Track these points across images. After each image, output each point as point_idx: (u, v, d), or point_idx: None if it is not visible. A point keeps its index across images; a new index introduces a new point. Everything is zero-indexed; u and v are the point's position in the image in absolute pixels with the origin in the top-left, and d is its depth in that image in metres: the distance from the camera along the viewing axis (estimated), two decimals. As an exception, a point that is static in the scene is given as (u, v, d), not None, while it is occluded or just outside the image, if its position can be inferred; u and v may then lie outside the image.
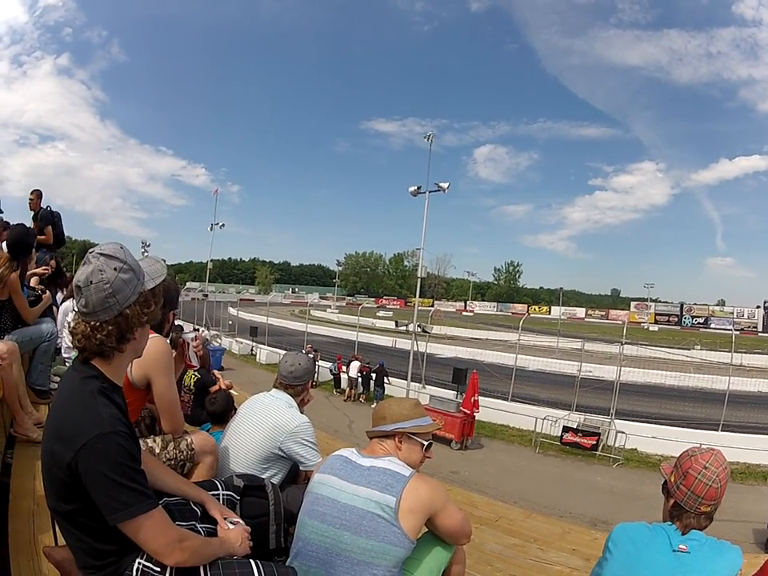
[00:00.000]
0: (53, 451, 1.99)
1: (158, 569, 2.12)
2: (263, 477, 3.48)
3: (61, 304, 8.15)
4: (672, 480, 2.38)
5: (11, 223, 7.71)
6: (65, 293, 7.30)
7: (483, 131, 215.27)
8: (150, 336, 3.09)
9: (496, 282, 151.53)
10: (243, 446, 3.71)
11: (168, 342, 2.91)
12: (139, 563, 2.12)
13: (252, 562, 2.33)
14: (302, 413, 3.93)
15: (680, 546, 2.22)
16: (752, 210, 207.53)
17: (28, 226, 7.45)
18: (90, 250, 2.10)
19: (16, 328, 5.70)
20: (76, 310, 2.11)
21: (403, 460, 2.85)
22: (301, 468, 3.75)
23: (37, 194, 10.01)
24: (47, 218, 9.38)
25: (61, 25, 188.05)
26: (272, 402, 3.89)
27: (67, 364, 6.34)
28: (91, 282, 2.02)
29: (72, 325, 2.12)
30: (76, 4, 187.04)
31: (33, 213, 9.84)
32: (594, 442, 19.13)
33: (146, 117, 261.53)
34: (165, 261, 2.35)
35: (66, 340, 6.80)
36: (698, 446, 2.47)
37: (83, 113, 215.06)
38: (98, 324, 2.06)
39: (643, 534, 2.36)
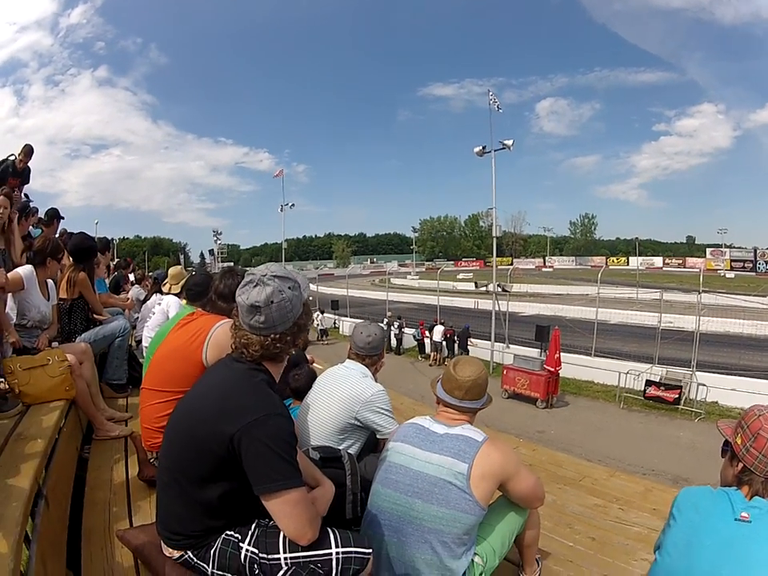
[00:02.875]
0: (207, 425, 2.19)
1: (238, 536, 2.33)
2: (341, 447, 3.56)
3: (145, 301, 8.59)
4: (739, 442, 2.22)
5: (74, 232, 8.12)
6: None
7: (542, 85, 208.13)
8: (225, 320, 3.59)
9: (572, 236, 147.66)
10: (320, 418, 3.74)
11: None
12: (227, 534, 2.34)
13: (329, 530, 2.37)
14: (375, 381, 3.96)
15: (742, 514, 2.08)
16: None
17: (87, 233, 7.53)
18: (263, 273, 2.31)
19: (88, 328, 6.07)
20: (248, 325, 2.32)
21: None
22: (378, 436, 3.76)
23: (25, 151, 9.90)
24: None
25: (91, 40, 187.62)
26: (346, 373, 3.90)
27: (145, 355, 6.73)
28: (272, 302, 2.26)
29: (240, 340, 2.35)
30: (103, 19, 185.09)
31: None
32: (677, 396, 18.98)
33: (198, 111, 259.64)
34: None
35: (148, 331, 6.97)
36: (763, 405, 2.27)
37: (133, 117, 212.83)
38: (277, 335, 2.32)
39: (707, 499, 2.23)
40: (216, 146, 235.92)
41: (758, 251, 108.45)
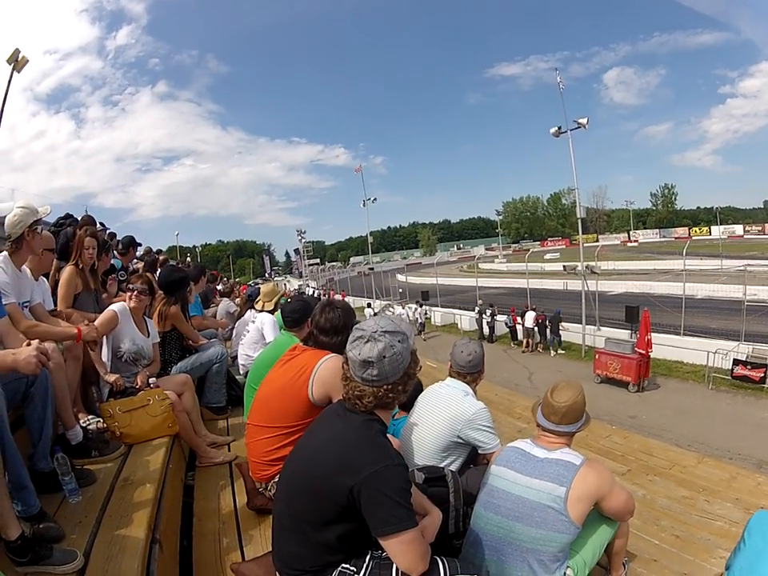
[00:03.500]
0: (328, 478, 2.30)
1: (354, 568, 2.41)
2: (443, 464, 3.69)
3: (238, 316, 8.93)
4: None
5: (153, 249, 8.30)
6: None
7: (606, 55, 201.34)
8: (328, 356, 3.65)
9: (654, 208, 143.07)
10: (424, 437, 3.81)
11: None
12: (343, 567, 2.41)
13: (438, 559, 2.42)
14: (476, 397, 4.01)
15: None
16: None
17: (173, 264, 7.95)
18: (373, 329, 2.40)
19: (183, 357, 6.17)
20: (361, 378, 2.43)
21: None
22: (480, 452, 3.83)
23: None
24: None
25: (143, 58, 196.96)
26: (448, 392, 3.97)
27: (242, 371, 7.20)
28: (384, 357, 2.35)
29: (353, 392, 2.46)
30: (151, 37, 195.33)
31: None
32: (762, 374, 18.38)
33: (267, 114, 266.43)
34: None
35: (244, 348, 7.23)
36: None
37: (201, 127, 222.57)
38: (389, 386, 2.41)
39: None
40: (290, 146, 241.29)
41: None
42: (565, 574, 2.84)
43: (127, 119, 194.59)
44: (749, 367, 18.86)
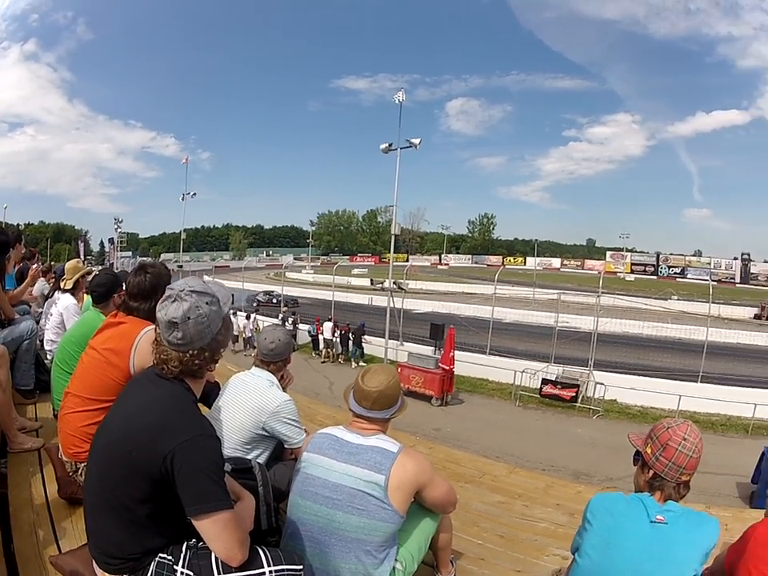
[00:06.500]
0: (140, 445, 2.11)
1: (171, 558, 2.22)
2: (249, 457, 3.53)
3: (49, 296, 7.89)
4: (649, 452, 2.41)
5: None
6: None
7: (456, 85, 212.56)
8: (151, 326, 3.37)
9: (470, 235, 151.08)
10: (228, 428, 3.66)
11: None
12: (161, 557, 2.22)
13: (259, 548, 2.33)
14: (284, 390, 3.91)
15: (657, 517, 2.27)
16: (729, 162, 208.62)
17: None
18: (180, 288, 2.28)
19: None
20: (167, 341, 2.27)
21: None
22: (285, 446, 3.75)
23: None
24: None
25: (27, 12, 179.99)
26: (253, 381, 3.83)
27: (49, 357, 6.38)
28: (189, 318, 2.23)
29: (160, 355, 2.30)
30: None
31: None
32: (574, 394, 19.71)
33: (114, 92, 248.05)
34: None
35: (48, 333, 6.64)
36: (672, 418, 2.54)
37: (52, 95, 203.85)
38: (195, 351, 2.28)
39: (620, 504, 2.41)
40: (125, 128, 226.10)
41: (660, 256, 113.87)
42: (394, 567, 2.77)
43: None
44: (559, 387, 20.07)
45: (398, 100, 30.70)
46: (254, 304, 43.57)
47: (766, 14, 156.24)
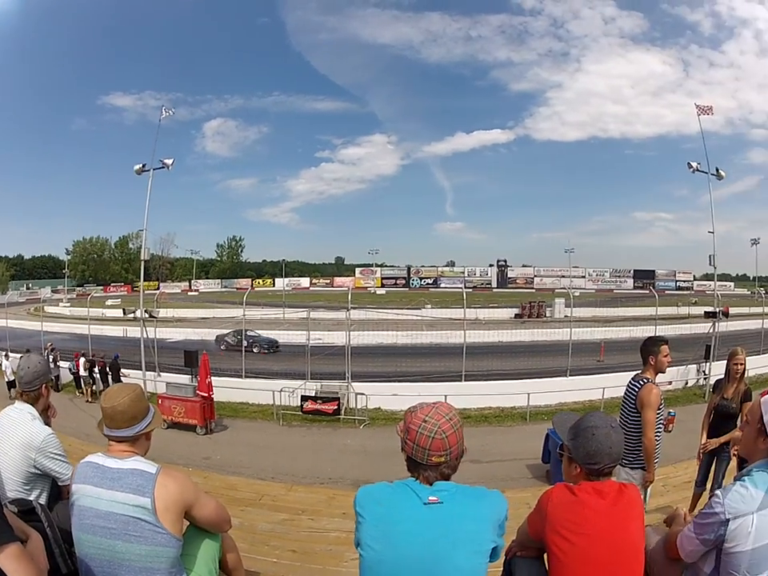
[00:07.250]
0: None
1: None
2: (30, 498, 3.42)
3: None
4: (401, 437, 2.46)
5: None
6: None
7: (216, 105, 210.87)
8: None
9: (219, 259, 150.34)
10: (4, 467, 3.48)
11: None
12: None
13: None
14: (47, 424, 3.79)
15: (430, 498, 2.29)
16: (486, 178, 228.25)
17: None
18: None
19: None
20: None
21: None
22: (59, 483, 3.60)
23: None
24: None
25: None
26: (17, 415, 3.66)
27: None
28: None
29: None
30: None
31: None
32: (336, 407, 20.23)
33: None
34: None
35: None
36: (429, 401, 2.53)
37: None
38: None
39: (386, 492, 2.43)
40: None
41: (411, 269, 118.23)
42: None
43: None
44: (319, 402, 20.65)
45: (161, 117, 29.85)
46: (222, 346, 38.17)
47: (557, 40, 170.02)
